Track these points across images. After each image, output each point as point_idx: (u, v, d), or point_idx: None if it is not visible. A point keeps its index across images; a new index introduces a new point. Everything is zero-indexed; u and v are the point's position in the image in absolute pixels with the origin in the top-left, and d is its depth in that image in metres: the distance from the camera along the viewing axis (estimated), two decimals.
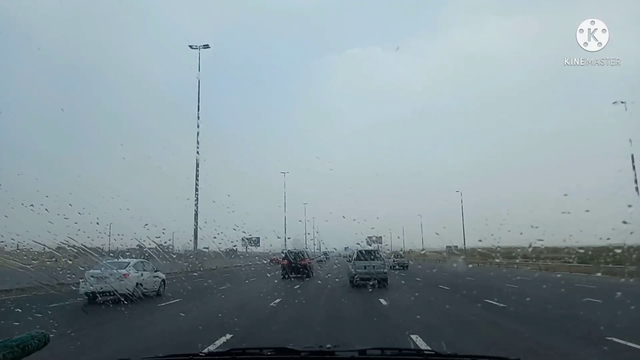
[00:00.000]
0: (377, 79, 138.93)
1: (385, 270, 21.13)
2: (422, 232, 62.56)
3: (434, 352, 2.13)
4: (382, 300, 14.85)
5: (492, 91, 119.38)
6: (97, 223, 11.40)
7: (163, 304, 15.26)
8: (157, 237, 15.98)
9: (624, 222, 8.26)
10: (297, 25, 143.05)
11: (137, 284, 15.90)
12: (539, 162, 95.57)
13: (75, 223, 10.31)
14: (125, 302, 14.19)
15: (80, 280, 15.14)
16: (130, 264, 16.42)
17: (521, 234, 10.81)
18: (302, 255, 27.45)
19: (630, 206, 8.09)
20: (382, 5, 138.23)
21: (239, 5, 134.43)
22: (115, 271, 15.22)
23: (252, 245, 64.00)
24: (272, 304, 14.27)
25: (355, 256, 21.35)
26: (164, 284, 18.37)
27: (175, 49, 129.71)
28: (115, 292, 14.49)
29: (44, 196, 10.76)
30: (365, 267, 20.54)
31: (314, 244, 75.59)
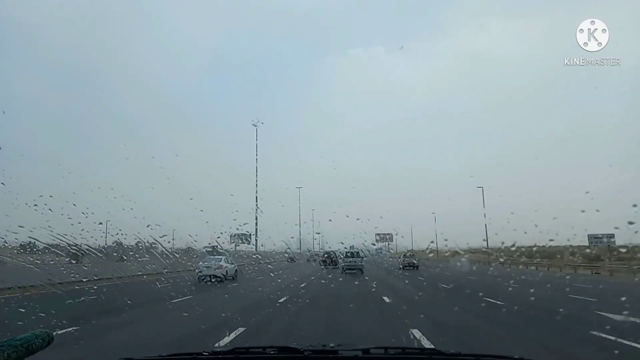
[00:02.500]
0: (380, 79, 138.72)
1: (362, 264, 33.15)
2: (473, 229, 61.37)
3: (437, 351, 2.11)
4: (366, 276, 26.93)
5: (496, 92, 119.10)
6: (100, 223, 11.44)
7: (252, 279, 26.60)
8: (160, 237, 16.15)
9: (630, 223, 8.19)
10: (300, 26, 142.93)
11: (226, 271, 24.35)
12: (542, 162, 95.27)
13: (79, 223, 10.36)
14: (224, 282, 23.19)
15: (196, 269, 24.04)
16: (222, 259, 24.77)
17: (525, 233, 10.76)
18: (334, 254, 43.43)
19: (635, 205, 8.02)
20: (384, 6, 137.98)
21: (242, 6, 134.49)
22: (215, 263, 23.95)
23: (243, 243, 59.64)
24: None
25: (344, 255, 34.48)
26: (237, 271, 26.71)
27: (178, 50, 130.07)
28: (215, 276, 23.09)
29: (48, 196, 10.80)
30: (350, 262, 32.97)
31: (318, 243, 74.35)
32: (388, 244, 78.15)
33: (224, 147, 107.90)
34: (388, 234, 71.31)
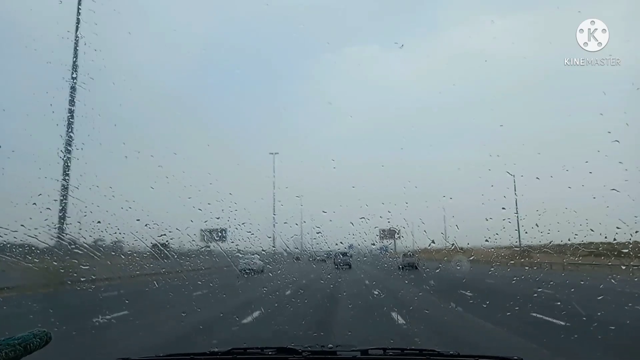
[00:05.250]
0: (376, 76, 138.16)
1: (350, 262, 43.14)
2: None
3: (436, 352, 2.09)
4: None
5: (495, 90, 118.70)
6: (99, 222, 11.42)
7: (273, 273, 31.56)
8: (159, 236, 16.12)
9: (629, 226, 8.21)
10: (296, 22, 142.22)
11: (259, 266, 30.76)
12: (542, 161, 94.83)
13: (78, 222, 10.34)
14: (258, 274, 29.82)
15: (237, 265, 28.40)
16: (256, 258, 30.59)
17: (526, 232, 10.76)
18: (334, 254, 52.79)
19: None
20: (381, 3, 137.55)
21: (236, 2, 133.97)
22: (251, 261, 29.61)
23: (216, 240, 55.15)
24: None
25: (337, 254, 43.98)
26: (264, 267, 33.19)
27: (173, 46, 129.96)
28: (253, 270, 29.15)
29: (46, 195, 10.77)
30: (341, 260, 42.32)
31: (318, 243, 73.81)
32: (394, 242, 77.34)
33: (222, 145, 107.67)
34: (391, 232, 70.74)
